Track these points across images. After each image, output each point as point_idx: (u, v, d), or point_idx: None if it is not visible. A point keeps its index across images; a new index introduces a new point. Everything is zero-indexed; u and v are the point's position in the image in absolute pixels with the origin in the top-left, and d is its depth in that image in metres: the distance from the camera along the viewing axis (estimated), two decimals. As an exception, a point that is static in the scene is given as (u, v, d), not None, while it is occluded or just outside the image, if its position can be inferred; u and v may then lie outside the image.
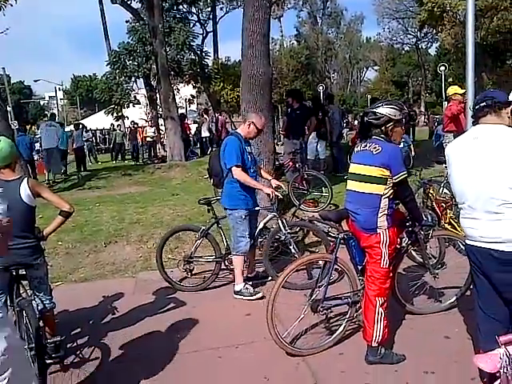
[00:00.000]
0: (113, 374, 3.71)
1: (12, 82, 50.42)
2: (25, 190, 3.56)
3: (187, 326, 4.41)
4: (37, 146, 17.22)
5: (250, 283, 5.13)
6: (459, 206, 2.95)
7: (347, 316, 3.86)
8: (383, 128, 3.47)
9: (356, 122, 31.32)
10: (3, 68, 29.72)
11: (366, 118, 3.53)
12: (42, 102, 71.35)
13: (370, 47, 56.31)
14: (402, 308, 4.19)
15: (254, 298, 4.88)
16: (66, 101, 59.68)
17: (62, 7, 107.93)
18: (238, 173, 4.74)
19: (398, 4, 42.74)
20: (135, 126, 22.78)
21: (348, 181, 3.68)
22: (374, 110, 3.49)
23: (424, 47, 48.61)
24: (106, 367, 3.81)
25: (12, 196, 3.51)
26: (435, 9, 24.92)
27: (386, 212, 3.43)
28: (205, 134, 18.69)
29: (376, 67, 58.83)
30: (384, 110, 3.45)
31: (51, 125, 14.37)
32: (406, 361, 3.53)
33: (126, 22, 24.24)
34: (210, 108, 24.41)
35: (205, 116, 19.77)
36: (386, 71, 54.83)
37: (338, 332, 3.84)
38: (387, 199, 3.43)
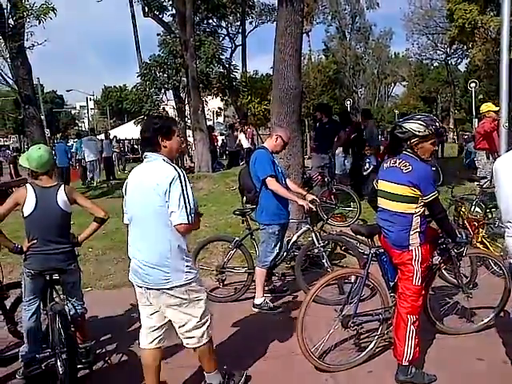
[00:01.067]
0: (140, 381, 3.72)
1: (45, 91, 51.81)
2: (61, 197, 3.65)
3: (215, 336, 4.40)
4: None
5: (270, 297, 5.12)
6: (504, 223, 2.88)
7: (378, 333, 3.81)
8: (408, 143, 3.41)
9: (383, 138, 31.16)
10: (38, 78, 30.78)
11: (394, 131, 3.50)
12: (73, 112, 73.19)
13: (399, 62, 55.94)
14: (432, 327, 4.11)
15: (274, 312, 4.87)
16: (96, 111, 61.09)
17: (95, 19, 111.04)
18: (272, 183, 4.74)
19: (427, 20, 42.46)
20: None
21: (378, 198, 3.64)
22: (401, 123, 3.45)
23: (453, 63, 48.06)
24: (134, 374, 3.83)
25: (49, 202, 3.62)
26: (466, 25, 24.67)
27: (418, 229, 3.38)
28: (246, 145, 18.70)
29: (404, 83, 58.39)
30: (408, 125, 3.38)
31: (91, 139, 16.21)
32: (437, 382, 3.46)
33: (158, 35, 24.77)
34: (236, 121, 24.61)
35: (245, 127, 19.77)
36: (415, 87, 54.37)
37: (368, 349, 3.79)
38: (419, 217, 3.38)
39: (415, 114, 3.58)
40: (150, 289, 3.09)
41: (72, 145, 19.03)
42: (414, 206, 3.35)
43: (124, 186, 3.28)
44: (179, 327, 3.18)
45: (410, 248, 3.38)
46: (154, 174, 2.98)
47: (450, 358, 3.79)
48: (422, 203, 3.35)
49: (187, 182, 2.97)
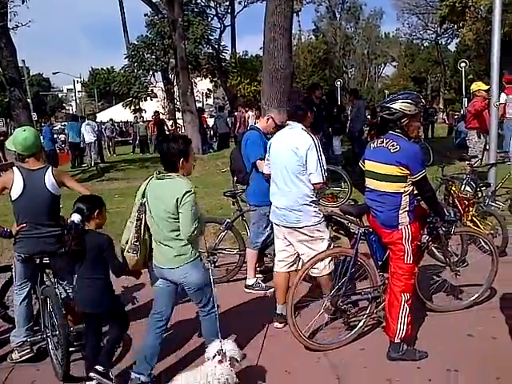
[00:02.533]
0: (133, 362, 3.74)
1: (31, 74, 50.98)
2: (49, 179, 3.61)
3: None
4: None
5: (262, 277, 5.14)
6: None
7: (367, 312, 3.85)
8: (398, 123, 3.39)
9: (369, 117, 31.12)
10: (23, 60, 30.20)
11: (379, 113, 3.47)
12: (60, 95, 72.10)
13: (389, 43, 55.63)
14: (422, 305, 4.15)
15: (267, 292, 4.89)
16: (83, 93, 60.25)
17: (81, 0, 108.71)
18: (262, 166, 4.71)
19: (418, -1, 42.17)
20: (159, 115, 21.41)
21: (366, 178, 3.64)
22: (388, 104, 3.40)
23: (444, 43, 47.95)
24: (128, 357, 3.85)
25: (37, 185, 3.57)
26: (457, 4, 24.58)
27: (407, 209, 3.40)
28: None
29: (394, 63, 58.18)
30: (398, 105, 3.36)
31: (88, 123, 16.64)
32: (429, 358, 3.51)
33: (145, 15, 24.41)
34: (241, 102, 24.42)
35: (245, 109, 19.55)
36: (405, 67, 54.16)
37: (357, 327, 3.83)
38: (408, 196, 3.39)
39: (398, 94, 3.52)
40: (285, 227, 3.93)
41: (62, 128, 18.90)
42: (402, 186, 3.35)
43: (268, 145, 4.23)
44: (306, 258, 3.86)
45: (400, 227, 3.40)
46: (295, 139, 3.82)
47: (440, 335, 3.84)
48: (411, 182, 3.35)
49: (321, 148, 3.83)
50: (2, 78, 12.15)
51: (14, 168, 3.62)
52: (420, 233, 3.64)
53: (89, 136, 16.00)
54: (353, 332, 3.81)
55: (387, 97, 4.14)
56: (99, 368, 3.26)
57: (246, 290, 4.97)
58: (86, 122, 17.10)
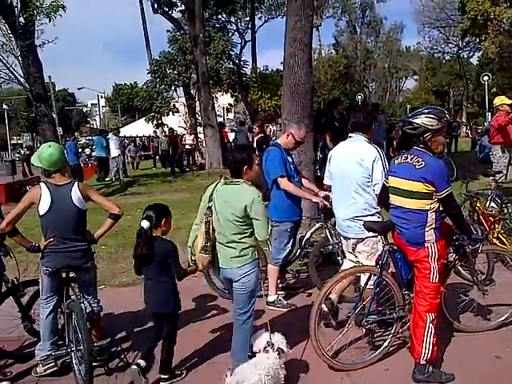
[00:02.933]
0: (156, 379, 3.74)
1: (57, 89, 52.17)
2: (75, 194, 3.66)
3: (229, 334, 4.39)
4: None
5: (283, 294, 5.10)
6: None
7: (392, 331, 3.77)
8: (421, 138, 3.35)
9: (393, 132, 30.86)
10: (49, 76, 30.95)
11: (403, 128, 3.44)
12: (84, 110, 73.57)
13: (410, 56, 55.37)
14: (448, 325, 4.06)
15: (287, 310, 4.85)
16: (107, 108, 61.34)
17: (105, 17, 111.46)
18: (284, 183, 4.71)
19: (439, 13, 41.93)
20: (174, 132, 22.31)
21: (390, 195, 3.59)
22: (410, 119, 3.37)
23: (466, 56, 47.47)
24: (149, 372, 3.84)
25: (63, 200, 3.63)
26: (478, 17, 24.34)
27: (433, 226, 3.34)
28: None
29: (415, 77, 57.80)
30: (420, 120, 3.32)
31: (114, 138, 16.98)
32: (455, 381, 3.41)
33: (167, 31, 24.85)
34: (248, 117, 24.61)
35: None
36: (426, 81, 53.78)
37: (382, 347, 3.76)
38: (434, 213, 3.34)
39: (423, 108, 3.48)
40: (349, 238, 4.14)
41: (86, 142, 19.30)
42: (428, 203, 3.30)
43: (328, 158, 4.42)
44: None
45: (426, 245, 3.34)
46: (360, 151, 3.99)
47: (467, 356, 3.74)
48: (437, 199, 3.30)
49: (385, 159, 3.98)
50: (29, 94, 12.41)
51: (42, 184, 3.69)
52: (446, 251, 3.57)
53: (115, 150, 16.45)
54: (377, 352, 3.74)
55: (409, 111, 4.14)
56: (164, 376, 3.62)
57: (268, 306, 4.94)
58: (112, 136, 17.36)
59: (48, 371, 3.74)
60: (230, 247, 3.39)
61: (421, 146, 3.37)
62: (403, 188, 3.41)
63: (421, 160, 3.30)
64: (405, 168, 3.40)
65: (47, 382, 3.74)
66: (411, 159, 3.37)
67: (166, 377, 3.62)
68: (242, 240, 3.35)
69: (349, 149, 4.14)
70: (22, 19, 11.18)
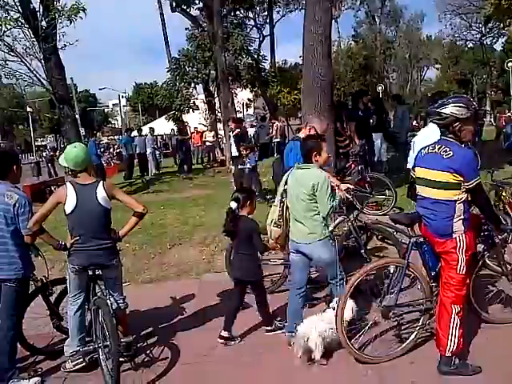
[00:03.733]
0: (181, 374, 3.78)
1: (79, 90, 52.99)
2: (101, 193, 3.71)
3: (252, 329, 4.42)
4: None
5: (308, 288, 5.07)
6: None
7: (419, 323, 3.73)
8: (450, 128, 3.28)
9: (415, 123, 30.28)
10: (71, 78, 31.45)
11: (430, 119, 3.37)
12: (106, 110, 74.54)
13: (431, 45, 54.30)
14: (476, 317, 3.99)
15: (313, 303, 4.83)
16: (128, 108, 61.98)
17: (124, 17, 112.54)
18: None
19: (461, -1, 41.00)
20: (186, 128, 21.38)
21: (418, 186, 3.53)
22: (439, 110, 3.29)
23: (489, 43, 46.29)
24: (175, 367, 3.89)
25: (89, 199, 3.68)
26: (503, 2, 23.66)
27: (462, 217, 3.27)
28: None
29: (437, 65, 56.61)
30: (449, 110, 3.24)
31: (140, 136, 18.29)
32: (483, 373, 3.36)
33: (186, 29, 24.88)
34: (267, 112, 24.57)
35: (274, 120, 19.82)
36: (449, 69, 52.68)
37: (409, 340, 3.72)
38: (462, 204, 3.27)
39: (449, 98, 3.40)
40: None
41: (108, 142, 19.66)
42: (456, 193, 3.23)
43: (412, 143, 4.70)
44: None
45: (454, 236, 3.28)
46: None
47: (495, 348, 3.67)
48: (465, 189, 3.23)
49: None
50: (52, 96, 12.60)
51: (68, 183, 3.75)
52: (475, 242, 3.49)
53: (149, 148, 17.22)
54: (404, 345, 3.71)
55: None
56: (269, 328, 4.27)
57: None
58: (149, 135, 18.53)
59: (77, 367, 3.82)
60: (302, 223, 3.88)
61: (449, 135, 3.30)
62: (431, 178, 3.35)
63: (448, 150, 3.24)
64: (432, 158, 3.34)
65: (76, 377, 3.82)
66: (438, 149, 3.31)
67: (271, 328, 4.25)
68: (313, 217, 3.82)
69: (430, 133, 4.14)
70: (44, 23, 11.34)
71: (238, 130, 9.86)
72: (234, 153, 9.88)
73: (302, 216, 3.87)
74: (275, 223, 4.12)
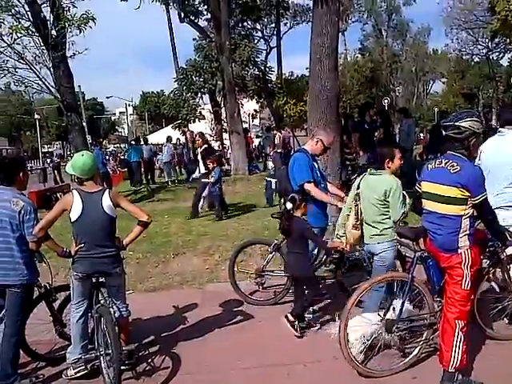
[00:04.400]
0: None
1: (86, 98, 53.39)
2: (106, 201, 3.73)
3: (255, 340, 4.41)
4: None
5: None
6: None
7: (423, 338, 3.71)
8: (465, 142, 3.29)
9: (422, 136, 30.26)
10: (79, 86, 31.75)
11: (445, 132, 3.36)
12: (112, 118, 75.05)
13: (438, 59, 54.46)
14: (481, 333, 3.96)
15: (314, 316, 4.81)
16: (135, 116, 62.37)
17: (132, 27, 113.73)
18: (310, 188, 4.68)
19: (467, 14, 41.08)
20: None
21: (424, 200, 3.53)
22: (457, 123, 3.29)
23: (495, 58, 46.35)
24: (176, 377, 3.87)
25: (94, 207, 3.70)
26: (509, 17, 23.74)
27: (467, 232, 3.27)
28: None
29: (443, 79, 56.75)
30: (467, 124, 3.25)
31: (166, 145, 18.95)
32: (487, 390, 3.33)
33: (193, 39, 25.12)
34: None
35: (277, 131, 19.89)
36: (455, 83, 52.76)
37: (412, 355, 3.70)
38: (468, 219, 3.27)
39: (461, 112, 3.43)
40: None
41: (114, 150, 19.93)
42: (463, 208, 3.24)
43: (479, 153, 4.28)
44: None
45: (459, 251, 3.27)
46: None
47: (499, 365, 3.64)
48: (471, 205, 3.23)
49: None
50: (60, 104, 12.71)
51: (74, 191, 3.77)
52: (480, 257, 3.48)
53: (167, 155, 17.85)
54: (407, 359, 3.69)
55: (437, 114, 4.10)
56: (292, 319, 4.39)
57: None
58: (166, 143, 19.27)
59: (78, 374, 3.82)
60: (373, 226, 4.08)
61: (460, 150, 3.29)
62: (437, 193, 3.35)
63: (456, 165, 3.24)
64: (439, 173, 3.35)
65: (77, 385, 3.81)
66: (445, 164, 3.31)
67: (293, 320, 4.39)
68: (383, 221, 4.02)
69: (503, 143, 4.28)
70: (54, 32, 11.48)
71: (205, 146, 9.68)
72: (202, 170, 9.55)
73: (373, 219, 4.08)
74: (353, 226, 4.25)
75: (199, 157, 9.74)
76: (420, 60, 53.78)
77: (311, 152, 4.93)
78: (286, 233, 4.53)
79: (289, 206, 4.40)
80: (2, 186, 3.79)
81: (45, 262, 4.13)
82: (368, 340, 3.64)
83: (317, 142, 4.91)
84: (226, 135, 21.94)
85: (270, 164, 11.56)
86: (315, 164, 4.94)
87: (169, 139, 19.47)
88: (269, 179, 10.57)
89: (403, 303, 3.54)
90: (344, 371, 3.63)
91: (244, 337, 4.49)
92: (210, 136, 25.80)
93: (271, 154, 11.79)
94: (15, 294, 3.69)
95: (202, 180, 9.43)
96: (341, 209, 4.76)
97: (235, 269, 5.46)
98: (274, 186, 10.24)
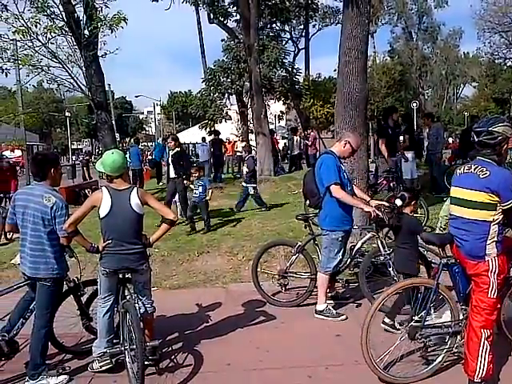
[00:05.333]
0: (204, 382, 3.81)
1: (115, 97, 54.31)
2: (134, 199, 3.79)
3: (277, 341, 4.43)
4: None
5: (332, 303, 5.06)
6: None
7: (446, 346, 3.65)
8: (497, 148, 3.25)
9: (451, 140, 29.66)
10: (109, 84, 32.31)
11: (478, 138, 3.30)
12: (140, 117, 76.12)
13: (469, 63, 53.42)
14: (507, 343, 3.88)
15: (338, 319, 4.80)
16: (162, 115, 63.13)
17: (162, 27, 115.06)
18: (337, 190, 4.67)
19: (501, 17, 40.12)
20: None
21: (451, 205, 3.49)
22: (491, 128, 3.25)
23: (529, 62, 45.18)
24: (198, 375, 3.92)
25: (123, 204, 3.78)
26: (545, 21, 23.13)
27: (495, 239, 3.21)
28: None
29: (474, 83, 55.65)
30: (501, 129, 3.22)
31: (203, 144, 19.71)
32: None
33: (222, 40, 25.19)
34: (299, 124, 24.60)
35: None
36: (486, 87, 51.63)
37: (435, 363, 3.65)
38: (497, 225, 3.21)
39: (491, 118, 3.40)
40: None
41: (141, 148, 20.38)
42: (491, 214, 3.19)
43: None
44: None
45: (487, 258, 3.22)
46: None
47: (526, 376, 3.56)
48: (500, 211, 3.18)
49: None
50: (90, 102, 12.96)
51: (103, 188, 3.86)
52: (508, 266, 3.41)
53: (203, 155, 18.41)
54: (430, 367, 3.64)
55: (467, 119, 4.03)
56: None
57: (317, 315, 4.91)
58: (203, 142, 19.94)
59: (103, 368, 3.90)
60: None
61: (491, 156, 3.25)
62: (465, 198, 3.31)
63: (485, 169, 3.20)
64: (468, 178, 3.31)
65: (102, 377, 3.89)
66: (475, 169, 3.27)
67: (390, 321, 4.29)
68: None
69: None
70: (86, 32, 11.73)
71: (177, 150, 9.24)
72: (172, 174, 9.00)
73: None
74: None
75: (170, 160, 9.12)
76: (451, 63, 52.88)
77: (339, 154, 4.92)
78: (395, 229, 4.59)
79: (398, 202, 4.50)
80: (34, 181, 3.92)
81: (74, 257, 4.24)
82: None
83: (345, 144, 4.89)
84: (252, 136, 21.98)
85: (245, 169, 11.05)
86: (342, 166, 4.93)
87: (203, 140, 20.14)
88: (245, 185, 10.34)
89: (428, 310, 3.50)
90: (366, 376, 3.60)
91: (266, 337, 4.51)
92: (236, 136, 25.92)
93: (246, 158, 11.47)
94: (45, 287, 3.80)
95: (190, 197, 8.99)
96: (369, 213, 4.75)
97: (258, 269, 5.48)
98: (251, 192, 10.18)
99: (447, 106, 56.60)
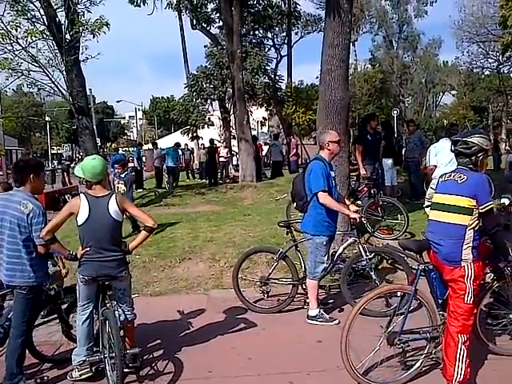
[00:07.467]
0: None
1: (97, 101, 53.81)
2: (112, 206, 3.77)
3: (258, 347, 4.43)
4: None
5: (322, 307, 5.08)
6: None
7: (425, 352, 3.70)
8: (473, 158, 3.38)
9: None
10: (90, 89, 31.96)
11: (455, 147, 3.44)
12: (122, 122, 75.54)
13: (448, 71, 54.41)
14: (483, 347, 3.95)
15: (330, 324, 4.82)
16: (144, 120, 62.78)
17: (144, 33, 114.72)
18: (324, 197, 4.72)
19: (478, 27, 41.07)
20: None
21: (431, 211, 3.59)
22: (466, 138, 3.39)
23: (506, 71, 46.20)
24: (180, 382, 3.89)
25: (101, 211, 3.75)
26: (521, 32, 23.71)
27: (471, 244, 3.30)
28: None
29: (453, 92, 56.68)
30: (476, 140, 3.37)
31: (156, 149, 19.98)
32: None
33: (205, 46, 25.27)
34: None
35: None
36: (465, 96, 52.65)
37: (414, 368, 3.69)
38: (472, 230, 3.30)
39: (470, 131, 3.62)
40: None
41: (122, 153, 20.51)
42: (468, 218, 3.29)
43: None
44: None
45: (463, 264, 3.30)
46: None
47: (502, 380, 3.63)
48: (477, 215, 3.28)
49: None
50: (71, 107, 12.83)
51: (81, 195, 3.82)
52: (483, 272, 3.50)
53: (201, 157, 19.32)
54: (409, 372, 3.68)
55: (446, 127, 4.19)
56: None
57: (309, 321, 4.92)
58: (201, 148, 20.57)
59: (83, 376, 3.85)
60: None
61: (468, 165, 3.40)
62: (444, 203, 3.43)
63: (463, 175, 3.36)
64: (448, 184, 3.46)
65: (81, 386, 3.84)
66: (453, 176, 3.42)
67: None
68: None
69: None
70: (68, 36, 11.63)
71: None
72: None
73: None
74: None
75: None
76: (430, 72, 53.79)
77: (328, 158, 4.97)
78: (507, 227, 4.50)
79: (506, 201, 4.50)
80: (15, 187, 3.87)
81: (58, 266, 4.19)
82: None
83: (327, 145, 4.93)
84: (234, 142, 22.00)
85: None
86: (331, 173, 4.97)
87: (154, 145, 20.51)
88: None
89: (406, 316, 3.54)
90: (348, 381, 3.62)
91: (247, 344, 4.51)
92: (219, 142, 25.93)
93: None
94: (21, 294, 3.73)
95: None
96: (354, 219, 4.79)
97: (240, 276, 5.48)
98: None
99: (427, 113, 57.48)
